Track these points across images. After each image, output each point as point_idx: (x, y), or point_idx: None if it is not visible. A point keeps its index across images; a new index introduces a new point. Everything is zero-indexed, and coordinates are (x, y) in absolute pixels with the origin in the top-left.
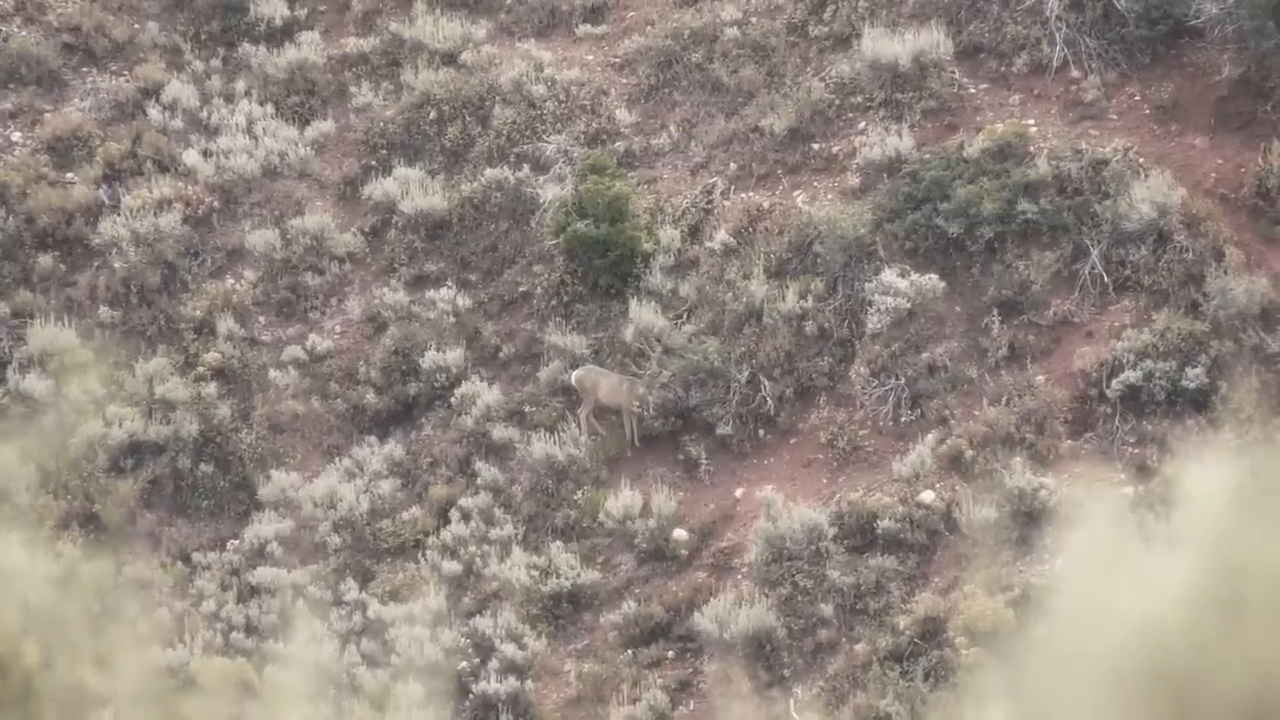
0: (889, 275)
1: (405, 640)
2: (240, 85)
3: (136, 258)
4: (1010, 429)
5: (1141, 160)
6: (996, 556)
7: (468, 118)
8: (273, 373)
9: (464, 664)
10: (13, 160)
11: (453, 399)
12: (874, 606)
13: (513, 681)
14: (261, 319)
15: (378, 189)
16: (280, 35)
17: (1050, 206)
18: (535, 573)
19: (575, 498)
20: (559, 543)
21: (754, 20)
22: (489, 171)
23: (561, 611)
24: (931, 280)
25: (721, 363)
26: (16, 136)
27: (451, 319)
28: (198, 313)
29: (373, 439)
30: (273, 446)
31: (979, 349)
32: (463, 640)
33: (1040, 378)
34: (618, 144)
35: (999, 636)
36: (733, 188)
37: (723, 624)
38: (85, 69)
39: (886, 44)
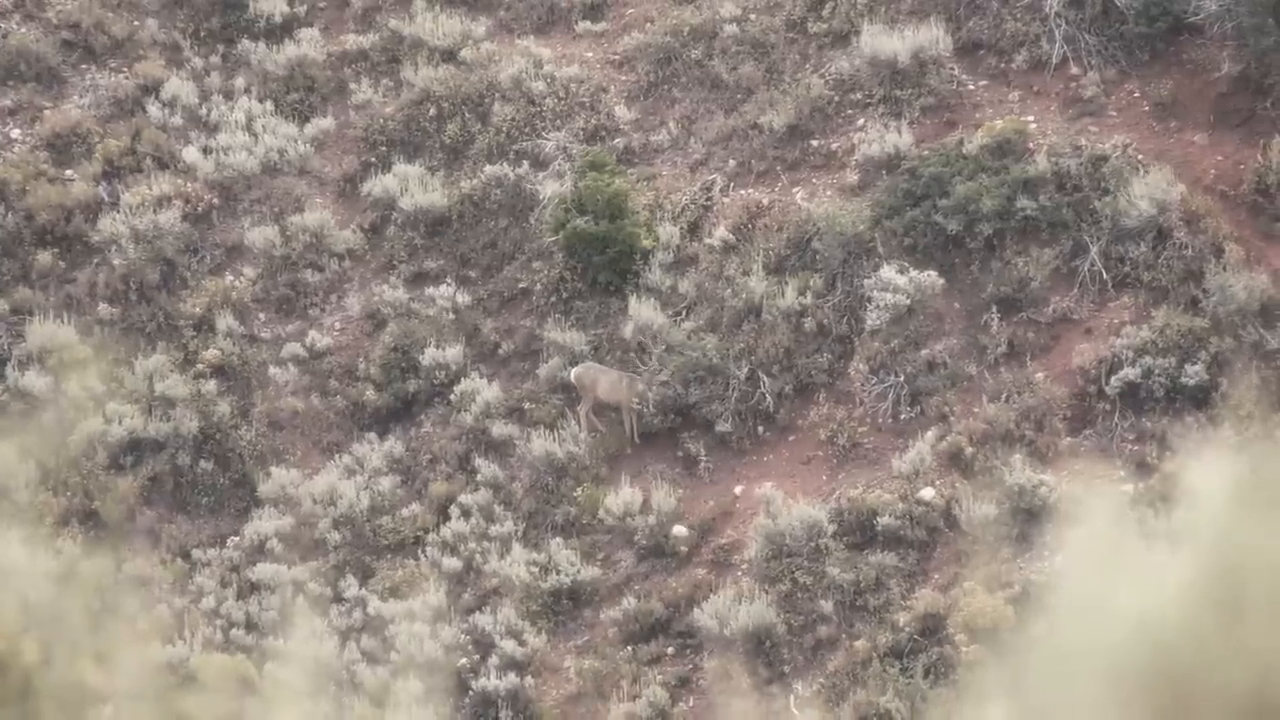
0: (888, 272)
1: (405, 637)
2: (240, 82)
3: (136, 255)
4: (1010, 426)
5: (1141, 157)
6: (996, 553)
7: (467, 114)
8: (272, 370)
9: (464, 660)
10: (12, 157)
11: (452, 396)
12: (874, 603)
13: (513, 678)
14: (261, 316)
15: (377, 186)
16: (280, 32)
17: (1049, 203)
18: (535, 569)
19: (575, 494)
20: (559, 539)
21: (753, 17)
22: (488, 168)
23: (561, 608)
24: (930, 277)
25: (721, 359)
26: (16, 133)
27: (451, 316)
28: (197, 310)
29: (372, 436)
30: (272, 443)
31: (978, 346)
32: (463, 637)
33: (1039, 374)
34: (617, 141)
35: (999, 633)
36: (732, 184)
37: (723, 620)
38: (84, 66)
39: (885, 40)
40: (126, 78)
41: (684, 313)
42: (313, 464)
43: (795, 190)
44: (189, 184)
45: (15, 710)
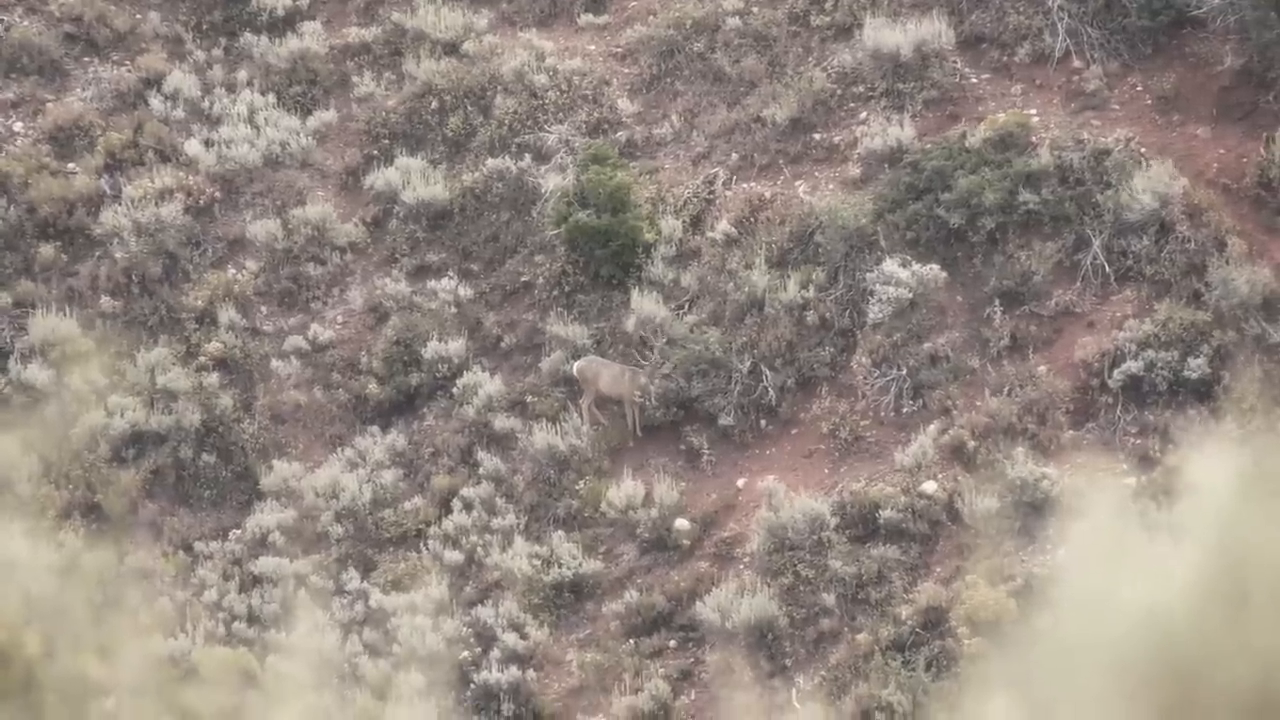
0: (890, 265)
1: (407, 630)
2: (242, 75)
3: (138, 248)
4: (1012, 419)
5: (1143, 150)
6: (998, 546)
7: (469, 107)
8: (274, 363)
9: (466, 653)
10: (14, 150)
11: (455, 389)
12: (876, 596)
13: (514, 671)
14: (263, 309)
15: (379, 179)
16: (282, 25)
17: (1052, 197)
18: (537, 562)
19: (577, 487)
20: (561, 532)
21: (755, 10)
22: (491, 161)
23: (563, 601)
24: (933, 270)
25: (723, 353)
26: (18, 126)
27: (453, 309)
28: (199, 303)
29: (375, 429)
30: (275, 436)
31: (981, 339)
32: (464, 630)
33: (1042, 368)
34: (619, 134)
35: (1001, 626)
36: (734, 178)
37: (725, 613)
38: (87, 59)
39: (888, 34)
40: (129, 71)
41: (686, 306)
42: (315, 457)
43: (798, 183)
44: (191, 177)
45: (18, 702)
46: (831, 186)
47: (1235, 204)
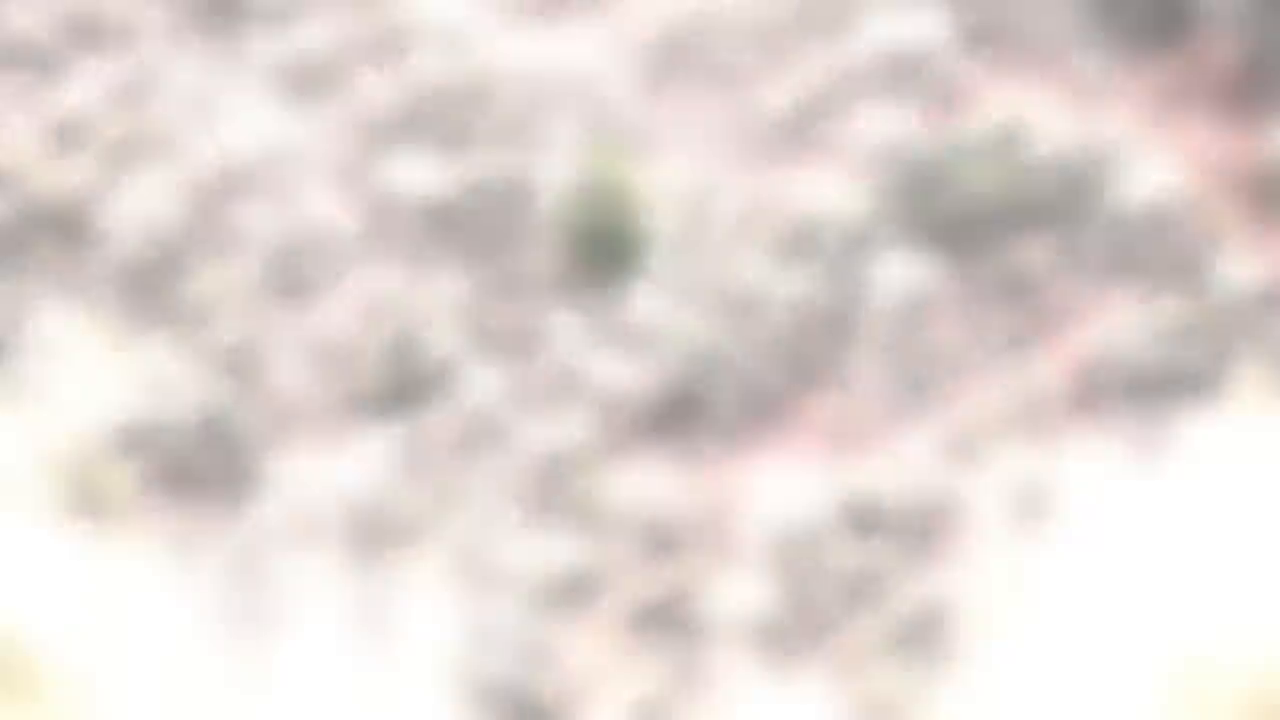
0: (890, 260)
1: (407, 627)
2: (242, 69)
3: (137, 242)
4: (1012, 413)
5: (1143, 144)
6: (998, 541)
7: (470, 103)
8: (274, 358)
9: (465, 650)
10: (12, 144)
11: (454, 385)
12: (876, 592)
13: (514, 667)
14: (263, 304)
15: (379, 174)
16: (283, 19)
17: (1051, 190)
18: (537, 559)
19: (577, 484)
20: (560, 528)
21: (756, 4)
22: (491, 157)
23: (563, 598)
24: (932, 265)
25: (722, 348)
26: (16, 120)
27: (453, 305)
28: (199, 298)
29: (375, 425)
30: (275, 432)
31: (980, 333)
32: (465, 627)
33: (1041, 362)
34: (620, 129)
35: (1001, 622)
36: (733, 173)
37: (724, 610)
38: (86, 52)
39: (888, 28)
40: (128, 64)
41: (685, 302)
42: (314, 453)
43: (797, 178)
44: (191, 171)
45: (17, 696)
46: (831, 181)
47: (1235, 198)
